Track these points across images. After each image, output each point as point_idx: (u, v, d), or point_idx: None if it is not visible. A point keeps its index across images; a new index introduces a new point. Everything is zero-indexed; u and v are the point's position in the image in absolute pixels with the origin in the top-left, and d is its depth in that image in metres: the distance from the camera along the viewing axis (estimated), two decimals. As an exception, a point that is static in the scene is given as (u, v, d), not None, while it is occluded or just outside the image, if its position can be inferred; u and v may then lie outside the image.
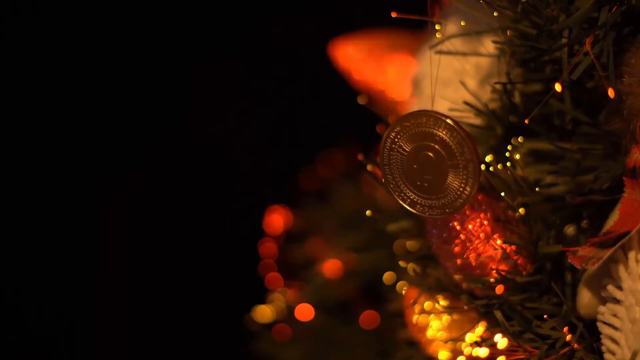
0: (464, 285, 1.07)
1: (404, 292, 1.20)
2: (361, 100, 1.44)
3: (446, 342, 1.13)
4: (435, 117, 0.97)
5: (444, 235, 1.05)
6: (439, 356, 1.15)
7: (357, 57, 1.45)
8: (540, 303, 1.05)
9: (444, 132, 0.97)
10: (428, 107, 1.00)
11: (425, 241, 1.10)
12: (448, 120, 0.96)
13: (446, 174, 0.98)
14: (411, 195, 1.00)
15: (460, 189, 0.98)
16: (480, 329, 1.05)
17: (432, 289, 1.12)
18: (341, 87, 1.47)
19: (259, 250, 1.63)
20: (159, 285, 2.14)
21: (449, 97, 1.12)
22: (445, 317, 1.13)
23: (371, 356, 1.47)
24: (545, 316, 1.03)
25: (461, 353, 1.05)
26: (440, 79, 1.13)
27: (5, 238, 2.09)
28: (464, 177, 0.97)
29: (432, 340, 1.16)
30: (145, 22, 2.10)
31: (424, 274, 1.12)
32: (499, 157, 1.08)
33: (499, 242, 1.04)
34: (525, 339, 1.02)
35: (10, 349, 2.11)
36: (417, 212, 1.01)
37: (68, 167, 2.11)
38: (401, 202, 1.01)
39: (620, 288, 0.96)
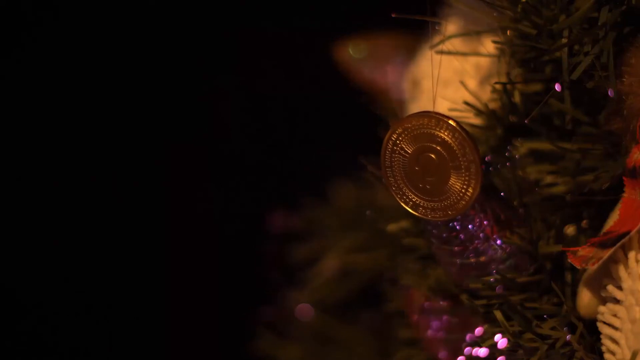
0: (464, 285, 1.07)
1: (404, 292, 1.20)
2: (362, 101, 1.44)
3: (446, 342, 1.13)
4: (437, 119, 0.97)
5: (444, 235, 1.05)
6: (439, 356, 1.15)
7: (358, 58, 1.45)
8: (540, 303, 1.05)
9: (445, 133, 0.97)
10: (429, 108, 1.00)
11: (425, 241, 1.10)
12: (450, 122, 0.96)
13: (448, 176, 0.98)
14: (413, 198, 1.00)
15: (463, 191, 0.98)
16: (480, 329, 1.05)
17: (432, 289, 1.12)
18: (342, 87, 1.47)
19: (259, 250, 1.63)
20: (159, 285, 2.14)
21: (449, 97, 1.11)
22: (445, 317, 1.13)
23: (371, 356, 1.47)
24: (545, 316, 1.03)
25: (461, 353, 1.05)
26: (441, 79, 1.13)
27: (6, 239, 2.10)
28: (466, 178, 0.97)
29: (432, 340, 1.16)
30: (145, 22, 2.10)
31: (424, 274, 1.12)
32: (499, 157, 1.08)
33: (499, 242, 1.04)
34: (525, 339, 1.02)
35: (12, 349, 2.11)
36: (420, 215, 1.00)
37: (67, 169, 2.12)
38: (404, 205, 1.00)
39: (620, 288, 0.97)
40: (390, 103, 1.42)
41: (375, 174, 1.11)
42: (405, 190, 1.00)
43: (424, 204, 1.00)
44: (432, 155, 0.98)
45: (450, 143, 0.97)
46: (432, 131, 0.97)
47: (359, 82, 1.46)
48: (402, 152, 0.99)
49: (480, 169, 0.97)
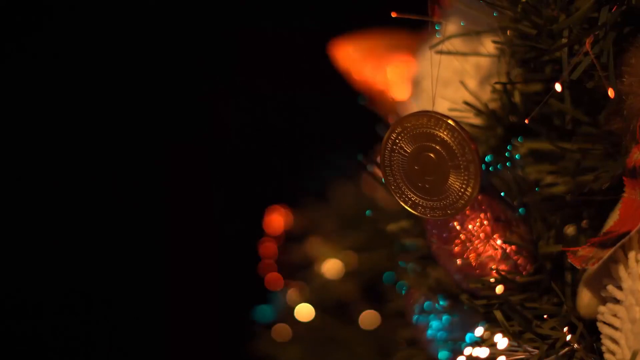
0: (464, 285, 1.07)
1: (404, 292, 1.20)
2: (361, 100, 1.44)
3: (446, 342, 1.13)
4: (436, 118, 0.97)
5: (444, 235, 1.05)
6: (439, 356, 1.15)
7: (357, 57, 1.45)
8: (540, 303, 1.05)
9: (445, 133, 0.97)
10: (428, 108, 1.00)
11: (425, 241, 1.10)
12: (449, 121, 0.96)
13: (447, 175, 0.98)
14: (412, 197, 1.00)
15: (462, 190, 0.98)
16: (480, 329, 1.05)
17: (432, 289, 1.12)
18: (341, 87, 1.47)
19: (259, 250, 1.63)
20: (159, 285, 2.14)
21: (449, 97, 1.12)
22: (445, 317, 1.13)
23: (371, 356, 1.47)
24: (545, 316, 1.03)
25: (461, 353, 1.05)
26: (441, 79, 1.13)
27: (7, 239, 2.10)
28: (465, 177, 0.97)
29: (432, 340, 1.16)
30: (145, 22, 2.10)
31: (424, 274, 1.12)
32: (499, 157, 1.08)
33: (499, 242, 1.04)
34: (525, 339, 1.02)
35: (12, 349, 2.11)
36: (419, 214, 1.00)
37: (68, 169, 2.12)
38: (402, 204, 1.00)
39: (620, 288, 0.97)
40: (389, 103, 1.42)
41: (374, 173, 1.11)
42: (405, 189, 1.00)
43: (423, 203, 1.00)
44: (432, 155, 0.98)
45: (450, 143, 0.97)
46: (432, 130, 0.97)
47: (358, 82, 1.46)
48: (401, 151, 0.99)
49: (479, 169, 0.97)
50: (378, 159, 1.02)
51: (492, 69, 1.12)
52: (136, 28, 2.10)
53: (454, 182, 0.98)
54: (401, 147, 0.99)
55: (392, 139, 0.99)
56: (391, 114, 1.38)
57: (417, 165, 0.99)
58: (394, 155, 1.00)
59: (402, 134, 0.99)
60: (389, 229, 1.16)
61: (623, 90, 0.98)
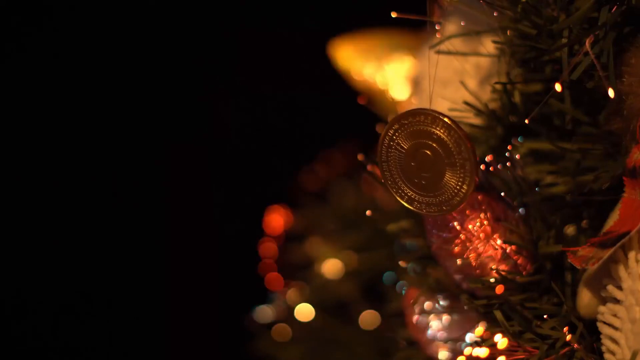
0: (464, 285, 1.07)
1: (404, 292, 1.20)
2: (361, 100, 1.44)
3: (446, 342, 1.13)
4: (432, 116, 0.97)
5: (444, 235, 1.05)
6: (439, 356, 1.15)
7: (357, 57, 1.45)
8: (540, 303, 1.05)
9: (441, 131, 0.97)
10: (427, 107, 1.00)
11: (425, 241, 1.10)
12: (445, 119, 0.97)
13: (443, 172, 0.98)
14: (409, 192, 1.01)
15: (457, 187, 0.98)
16: (480, 329, 1.05)
17: (432, 289, 1.12)
18: (341, 87, 1.47)
19: (259, 250, 1.63)
20: (159, 285, 2.14)
21: (449, 97, 1.12)
22: (445, 317, 1.13)
23: (371, 356, 1.47)
24: (545, 316, 1.03)
25: (461, 353, 1.05)
26: (441, 79, 1.13)
27: (7, 239, 2.10)
28: (461, 175, 0.98)
29: (432, 340, 1.16)
30: (145, 22, 2.11)
31: (424, 274, 1.12)
32: (499, 157, 1.08)
33: (499, 242, 1.04)
34: (525, 339, 1.02)
35: (12, 349, 2.11)
36: (415, 209, 1.01)
37: (68, 169, 2.12)
38: (399, 199, 1.01)
39: (620, 288, 0.97)
40: (389, 103, 1.42)
41: (373, 171, 1.11)
42: (401, 184, 1.01)
43: (419, 198, 1.00)
44: (428, 152, 0.99)
45: (446, 140, 0.97)
46: (428, 128, 0.98)
47: (358, 82, 1.46)
48: (398, 147, 1.00)
49: (475, 167, 0.97)
50: (376, 155, 1.03)
51: (492, 69, 1.12)
52: (136, 28, 2.10)
53: (450, 179, 0.98)
54: (398, 144, 1.00)
55: (389, 135, 1.00)
56: (391, 114, 1.38)
57: (414, 161, 0.99)
58: (390, 151, 1.00)
59: (399, 131, 0.99)
60: (389, 229, 1.16)
61: (623, 90, 0.98)
